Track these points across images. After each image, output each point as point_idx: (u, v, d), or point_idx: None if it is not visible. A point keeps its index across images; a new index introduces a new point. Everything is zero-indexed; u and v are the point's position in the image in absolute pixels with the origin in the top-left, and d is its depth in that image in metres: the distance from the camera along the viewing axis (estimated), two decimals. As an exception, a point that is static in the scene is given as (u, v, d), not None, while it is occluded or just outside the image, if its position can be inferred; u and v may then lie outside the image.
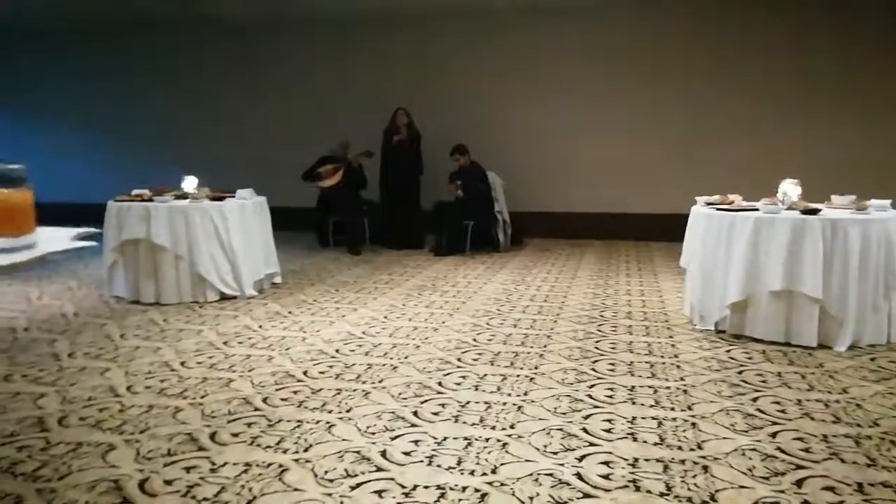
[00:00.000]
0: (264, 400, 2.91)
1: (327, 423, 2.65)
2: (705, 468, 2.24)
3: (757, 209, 3.92)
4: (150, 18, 9.05)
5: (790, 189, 4.06)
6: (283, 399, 2.92)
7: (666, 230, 7.69)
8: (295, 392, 3.00)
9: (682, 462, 2.29)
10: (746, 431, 2.54)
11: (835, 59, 7.44)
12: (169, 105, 9.54)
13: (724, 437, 2.48)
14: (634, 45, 7.99)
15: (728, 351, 3.60)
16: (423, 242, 7.55)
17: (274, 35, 9.03)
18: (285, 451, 2.39)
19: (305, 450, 2.40)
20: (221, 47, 9.34)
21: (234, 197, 5.26)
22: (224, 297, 4.95)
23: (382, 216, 7.67)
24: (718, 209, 4.09)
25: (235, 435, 2.54)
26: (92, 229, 1.84)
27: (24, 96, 10.27)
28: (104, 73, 9.81)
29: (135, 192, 5.28)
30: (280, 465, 2.28)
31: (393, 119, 7.55)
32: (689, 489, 2.10)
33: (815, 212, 3.72)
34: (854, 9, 7.32)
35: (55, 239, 1.04)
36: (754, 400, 2.87)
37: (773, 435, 2.50)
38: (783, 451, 2.36)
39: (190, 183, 5.32)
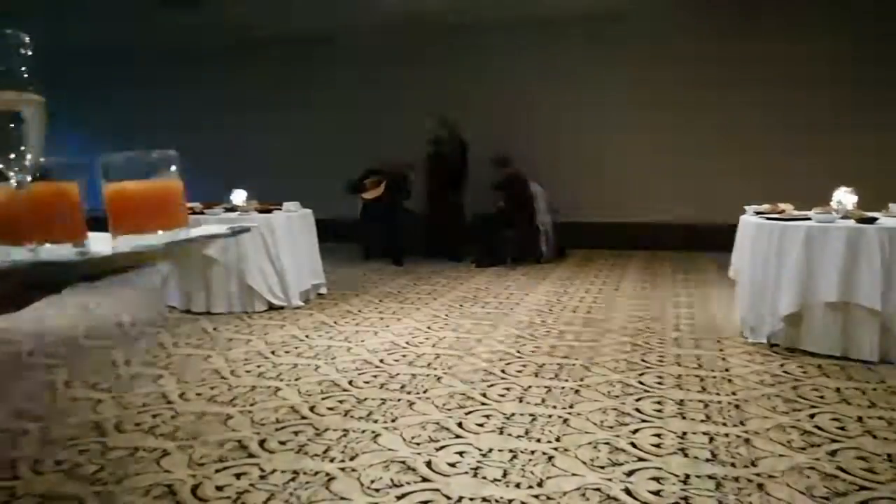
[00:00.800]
0: (311, 409, 2.94)
1: (372, 432, 2.65)
2: (760, 486, 2.16)
3: (809, 218, 3.78)
4: (199, 41, 9.36)
5: (845, 197, 3.91)
6: (329, 408, 2.94)
7: (713, 240, 7.49)
8: (341, 401, 3.02)
9: (736, 479, 2.20)
10: (804, 449, 2.43)
11: (890, 66, 7.16)
12: (216, 119, 9.82)
13: (780, 455, 2.38)
14: (680, 51, 7.86)
15: (782, 365, 3.47)
16: (462, 255, 7.50)
17: (320, 49, 9.22)
18: (332, 460, 2.40)
19: (352, 458, 2.41)
20: (268, 63, 9.57)
21: (280, 209, 5.36)
22: (271, 308, 5.04)
23: (425, 228, 7.68)
24: (769, 219, 3.96)
25: (283, 443, 2.56)
26: (245, 224, 1.81)
27: (84, 109, 10.72)
28: (148, 89, 10.16)
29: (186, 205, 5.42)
30: (327, 474, 2.29)
31: (436, 129, 7.59)
32: (743, 507, 2.03)
33: (871, 220, 3.56)
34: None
35: (211, 231, 1.09)
36: (811, 416, 2.75)
37: (833, 453, 2.39)
38: (844, 471, 2.25)
39: (238, 196, 5.45)
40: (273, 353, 3.88)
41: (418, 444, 2.53)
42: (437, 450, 2.48)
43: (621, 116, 8.11)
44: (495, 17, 8.07)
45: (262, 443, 2.57)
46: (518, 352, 3.81)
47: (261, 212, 5.23)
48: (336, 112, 9.25)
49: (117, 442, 2.60)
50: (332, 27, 8.65)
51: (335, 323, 4.61)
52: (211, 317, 4.86)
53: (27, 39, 0.80)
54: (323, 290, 5.67)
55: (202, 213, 5.13)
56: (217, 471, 2.33)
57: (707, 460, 2.35)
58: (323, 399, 3.06)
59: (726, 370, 3.40)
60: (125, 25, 8.41)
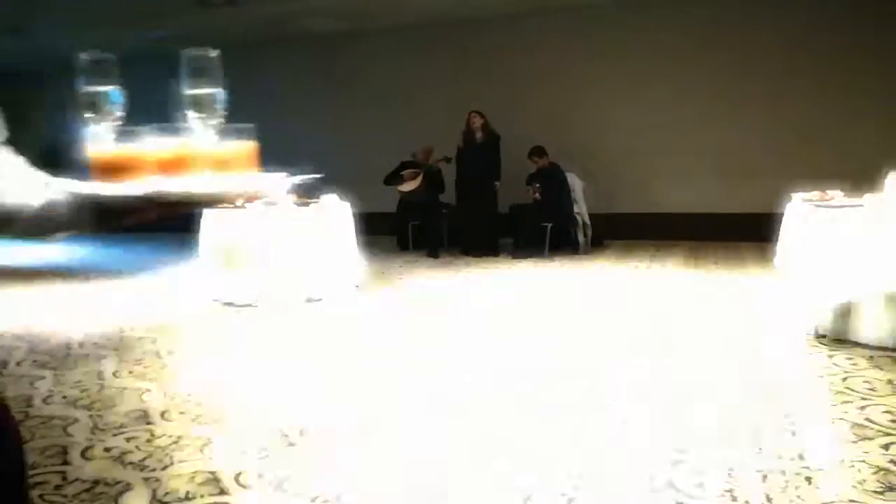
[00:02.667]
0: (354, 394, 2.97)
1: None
2: (808, 479, 2.09)
3: (861, 205, 3.65)
4: (238, 33, 9.52)
5: (898, 183, 3.75)
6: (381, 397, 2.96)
7: (755, 230, 7.29)
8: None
9: (783, 472, 2.14)
10: (855, 442, 2.35)
11: None
12: (255, 112, 9.94)
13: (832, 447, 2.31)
14: (717, 37, 7.66)
15: (830, 356, 3.36)
16: (498, 248, 7.27)
17: (358, 43, 9.26)
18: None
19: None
20: (308, 57, 9.67)
21: (316, 203, 5.41)
22: (311, 300, 5.10)
23: (458, 221, 7.54)
24: (818, 206, 3.83)
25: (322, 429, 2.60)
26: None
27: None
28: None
29: (227, 199, 5.51)
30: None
31: (467, 122, 7.28)
32: (790, 501, 1.97)
33: (928, 207, 3.42)
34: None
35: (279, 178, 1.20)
36: (862, 409, 2.66)
37: (886, 447, 2.31)
38: (898, 465, 2.17)
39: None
40: (319, 341, 3.93)
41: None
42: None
43: (657, 105, 7.94)
44: (526, 4, 7.97)
45: (301, 431, 2.60)
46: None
47: (299, 205, 5.29)
48: (369, 107, 9.30)
49: (164, 430, 2.67)
50: (368, 24, 8.69)
51: (381, 311, 4.64)
52: (252, 309, 4.92)
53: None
54: (359, 283, 5.72)
55: (242, 206, 5.21)
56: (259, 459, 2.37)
57: (755, 453, 2.29)
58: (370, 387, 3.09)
59: (773, 361, 3.31)
60: (161, 24, 8.58)
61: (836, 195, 4.12)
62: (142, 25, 8.54)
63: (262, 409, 2.87)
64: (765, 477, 2.12)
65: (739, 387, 2.95)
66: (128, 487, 2.19)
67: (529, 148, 7.35)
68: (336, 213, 5.42)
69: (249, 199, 5.40)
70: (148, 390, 3.17)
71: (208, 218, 5.20)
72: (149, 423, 2.75)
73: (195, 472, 2.27)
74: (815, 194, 4.23)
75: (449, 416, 2.71)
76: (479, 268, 6.52)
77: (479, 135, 7.23)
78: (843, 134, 7.16)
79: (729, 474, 2.14)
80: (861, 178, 4.60)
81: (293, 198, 5.49)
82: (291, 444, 2.48)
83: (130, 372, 3.47)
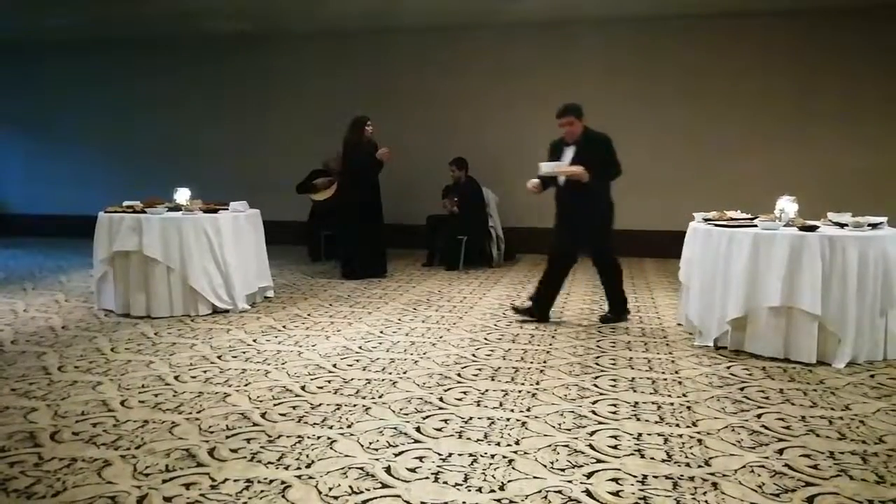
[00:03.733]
0: (263, 415, 2.86)
1: (328, 438, 2.60)
2: (715, 485, 2.23)
3: (755, 225, 3.95)
4: (145, 34, 9.03)
5: (787, 206, 4.09)
6: (281, 414, 2.87)
7: (658, 246, 7.76)
8: (294, 407, 2.96)
9: (692, 479, 2.27)
10: (753, 448, 2.53)
11: (835, 76, 7.51)
12: (160, 118, 9.50)
13: (732, 454, 2.47)
14: (634, 60, 8.06)
15: (728, 367, 3.60)
16: (386, 269, 6.72)
17: (268, 49, 9.04)
18: (287, 468, 2.34)
19: (308, 466, 2.36)
20: (215, 62, 9.32)
21: (227, 209, 5.21)
22: (216, 311, 4.89)
23: (342, 242, 6.84)
24: (717, 225, 4.11)
25: (235, 451, 2.49)
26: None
27: (10, 107, 10.20)
28: (94, 86, 9.76)
29: (126, 203, 5.22)
30: (283, 482, 2.23)
31: (360, 130, 6.39)
32: (699, 506, 2.09)
33: (812, 228, 3.75)
34: (855, 30, 7.43)
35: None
36: (758, 416, 2.86)
37: (780, 452, 2.50)
38: (791, 468, 2.35)
39: (182, 195, 5.28)
40: (219, 357, 3.77)
41: (376, 449, 2.50)
42: (396, 455, 2.45)
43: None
44: (445, 18, 8.08)
45: (211, 451, 2.48)
46: (473, 355, 3.82)
47: (206, 212, 5.07)
48: (281, 115, 9.09)
49: (54, 452, 2.46)
50: (279, 26, 8.49)
51: (284, 327, 4.52)
52: (151, 321, 4.67)
53: None
54: (270, 293, 5.55)
55: (143, 211, 4.94)
56: (164, 481, 2.23)
57: (663, 460, 2.41)
58: (275, 405, 2.99)
59: (676, 373, 3.51)
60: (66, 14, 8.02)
61: (734, 215, 4.43)
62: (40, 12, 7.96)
63: (166, 427, 2.71)
64: (675, 484, 2.23)
65: (648, 397, 3.10)
66: (13, 518, 2.00)
67: (452, 160, 7.39)
68: (246, 221, 5.24)
69: (150, 204, 5.15)
70: (34, 409, 2.91)
71: (103, 223, 4.89)
72: (37, 446, 2.52)
73: (92, 498, 2.11)
74: (714, 214, 4.53)
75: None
76: (393, 281, 6.49)
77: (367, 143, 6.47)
78: (748, 154, 7.71)
79: (642, 482, 2.24)
80: (757, 199, 5.00)
81: (199, 203, 5.28)
82: (200, 464, 2.36)
83: (13, 389, 3.18)
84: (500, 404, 3.00)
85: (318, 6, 7.60)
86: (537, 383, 3.31)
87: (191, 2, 7.41)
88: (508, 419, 2.81)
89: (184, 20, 8.29)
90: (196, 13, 7.91)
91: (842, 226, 3.90)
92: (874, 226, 3.85)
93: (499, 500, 2.12)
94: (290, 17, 8.13)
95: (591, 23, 7.97)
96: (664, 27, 7.87)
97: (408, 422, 2.78)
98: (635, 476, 2.29)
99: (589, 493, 2.16)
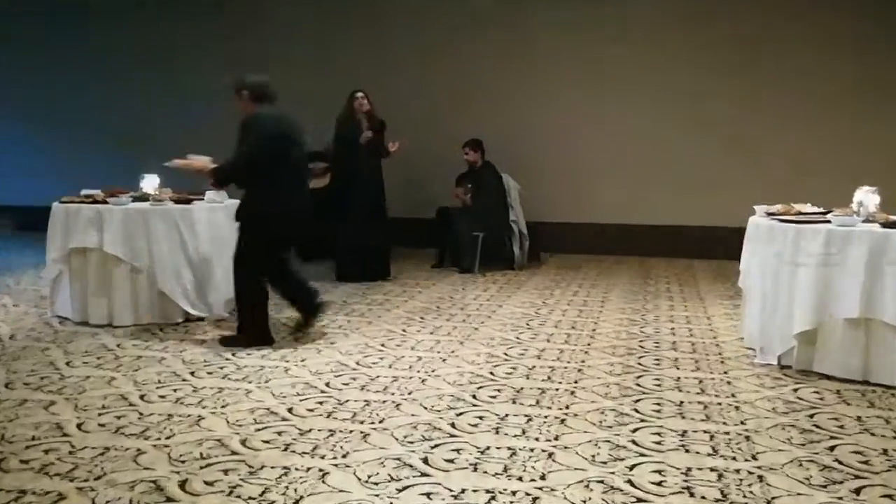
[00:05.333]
0: (243, 442, 2.89)
1: (320, 470, 2.62)
2: (778, 530, 2.22)
3: (828, 220, 3.92)
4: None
5: (867, 198, 4.06)
6: (265, 441, 2.90)
7: (712, 245, 7.72)
8: (279, 433, 2.98)
9: (750, 522, 2.27)
10: (825, 486, 2.52)
11: None
12: (126, 95, 9.59)
13: (799, 493, 2.46)
14: (675, 36, 8.04)
15: (795, 390, 3.59)
16: (389, 271, 6.79)
17: (250, 18, 9.09)
18: (271, 504, 2.37)
19: (295, 503, 2.38)
20: (193, 28, 9.39)
21: (202, 200, 5.25)
22: (189, 319, 4.93)
23: (338, 241, 6.79)
24: (782, 220, 4.09)
25: (210, 483, 2.51)
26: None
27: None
28: (51, 55, 9.86)
29: (84, 192, 5.28)
30: (266, 521, 2.26)
31: (349, 105, 6.48)
32: (760, 555, 2.08)
33: (898, 225, 3.72)
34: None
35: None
36: (831, 449, 2.85)
37: (857, 491, 2.48)
38: (870, 511, 2.34)
39: (150, 183, 5.32)
40: (192, 374, 3.80)
41: (376, 483, 2.52)
42: (399, 491, 2.47)
43: (606, 103, 8.24)
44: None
45: (182, 484, 2.51)
46: (491, 373, 3.84)
47: (177, 202, 5.11)
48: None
49: (0, 483, 2.50)
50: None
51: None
52: (113, 330, 4.73)
53: None
54: (252, 299, 5.59)
55: (104, 201, 4.98)
56: (128, 518, 2.26)
57: (717, 500, 2.41)
58: (257, 430, 3.01)
59: (733, 396, 3.50)
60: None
61: (803, 208, 4.41)
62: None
63: (130, 455, 2.74)
64: (731, 528, 2.23)
65: (698, 424, 3.09)
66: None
67: (466, 141, 7.40)
68: (225, 214, 5.26)
69: (112, 193, 5.20)
70: (-23, 433, 2.96)
71: (57, 215, 4.94)
72: (-21, 476, 2.56)
73: (44, 538, 2.14)
74: (778, 207, 4.50)
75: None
76: (397, 284, 6.51)
77: (364, 125, 6.55)
78: (816, 137, 7.66)
79: (692, 526, 2.24)
80: (828, 193, 4.96)
81: (169, 192, 5.32)
82: (169, 500, 2.38)
83: (-48, 409, 3.24)
84: (523, 432, 3.01)
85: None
86: (567, 407, 3.31)
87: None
88: (532, 449, 2.82)
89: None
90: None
91: (933, 222, 3.86)
92: (972, 222, 3.81)
93: (520, 546, 2.12)
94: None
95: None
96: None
97: (414, 451, 2.79)
98: (683, 518, 2.29)
99: (628, 539, 2.16)
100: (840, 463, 2.72)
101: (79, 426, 3.05)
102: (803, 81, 7.69)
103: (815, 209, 4.42)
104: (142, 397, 3.43)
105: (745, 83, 7.88)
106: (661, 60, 8.09)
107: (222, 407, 3.30)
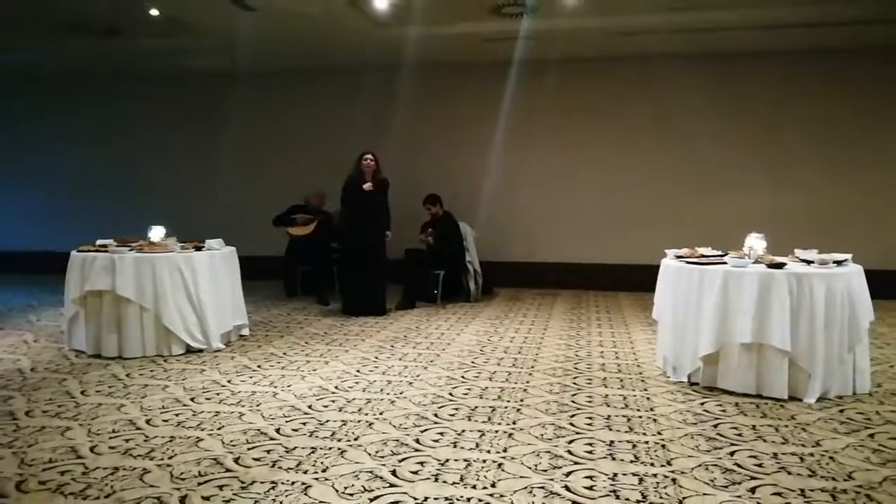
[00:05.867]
0: (236, 460, 2.83)
1: (303, 484, 2.59)
2: (688, 526, 2.25)
3: (725, 262, 4.05)
4: (117, 69, 9.06)
5: (755, 243, 4.21)
6: (255, 459, 2.85)
7: (633, 281, 7.88)
8: (268, 451, 2.93)
9: (666, 520, 2.30)
10: (726, 487, 2.56)
11: (805, 114, 7.76)
12: (135, 155, 9.49)
13: (705, 493, 2.50)
14: (606, 99, 8.28)
15: (702, 403, 3.66)
16: (385, 307, 6.65)
17: (242, 85, 9.10)
18: (260, 516, 2.32)
19: (282, 513, 2.34)
20: (188, 98, 9.37)
21: (202, 247, 5.19)
22: (190, 351, 4.85)
23: (340, 277, 7.02)
24: (688, 262, 4.21)
25: (207, 499, 2.46)
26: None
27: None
28: (69, 121, 9.72)
29: (99, 242, 5.19)
30: (256, 531, 2.21)
31: (357, 165, 6.52)
32: (673, 548, 2.11)
33: (780, 266, 3.85)
34: (825, 69, 7.71)
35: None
36: (731, 454, 2.91)
37: (753, 490, 2.54)
38: (763, 507, 2.39)
39: (157, 233, 5.26)
40: (193, 399, 3.72)
41: (351, 494, 2.49)
42: (372, 500, 2.44)
43: (546, 159, 8.42)
44: (418, 57, 8.21)
45: (183, 499, 2.45)
46: (450, 394, 3.83)
47: (183, 248, 5.05)
48: (256, 150, 9.14)
49: (21, 503, 2.41)
50: (259, 65, 8.58)
51: (259, 367, 4.48)
52: (123, 361, 4.61)
53: None
54: (245, 332, 5.51)
55: (117, 248, 4.89)
56: (134, 532, 2.20)
57: (638, 501, 2.44)
58: (249, 449, 2.96)
59: (651, 409, 3.55)
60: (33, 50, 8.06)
61: (705, 252, 4.54)
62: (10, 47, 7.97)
63: (136, 474, 2.67)
64: (650, 525, 2.26)
65: (623, 435, 3.13)
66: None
67: (424, 196, 7.49)
68: (222, 259, 5.22)
69: (123, 242, 5.12)
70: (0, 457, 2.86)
71: (75, 262, 4.85)
72: (2, 497, 2.47)
73: (59, 552, 2.07)
74: (685, 250, 4.64)
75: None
76: (371, 317, 6.48)
77: (368, 178, 6.52)
78: (717, 192, 7.92)
79: (617, 524, 2.26)
80: (726, 235, 5.13)
81: (174, 241, 5.27)
82: (172, 514, 2.33)
83: (-22, 436, 3.12)
84: (477, 445, 3.01)
85: (290, 46, 7.72)
86: (514, 423, 3.32)
87: (170, 40, 7.48)
88: (485, 461, 2.82)
89: (157, 57, 8.36)
90: (175, 51, 7.99)
91: (808, 262, 4.01)
92: (839, 262, 3.97)
93: (474, 546, 2.12)
94: (261, 56, 8.21)
95: (553, 62, 8.12)
96: (639, 65, 8.10)
97: (384, 465, 2.77)
98: (610, 518, 2.31)
99: (564, 537, 2.17)
100: (739, 466, 2.77)
101: (91, 449, 2.96)
102: (719, 148, 7.94)
103: (714, 252, 4.55)
104: (147, 421, 3.35)
105: (662, 152, 8.14)
106: (592, 137, 8.32)
107: (219, 429, 3.24)
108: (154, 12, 6.43)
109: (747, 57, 7.78)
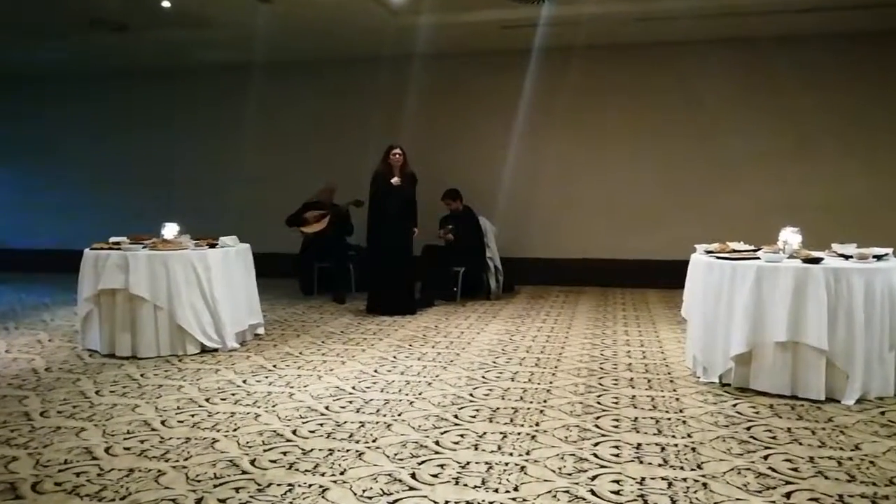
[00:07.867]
0: (252, 462, 2.86)
1: (320, 486, 2.61)
2: (720, 532, 2.23)
3: (758, 257, 4.00)
4: (137, 67, 9.19)
5: (790, 237, 4.15)
6: (272, 461, 2.87)
7: (661, 276, 7.80)
8: (284, 453, 2.96)
9: (696, 526, 2.28)
10: (760, 492, 2.54)
11: (840, 102, 7.63)
12: (150, 151, 9.61)
13: (738, 499, 2.48)
14: (633, 88, 8.20)
15: (734, 405, 3.62)
16: (415, 307, 6.62)
17: (257, 78, 9.15)
18: (277, 519, 2.35)
19: (299, 517, 2.36)
20: (208, 92, 9.45)
21: (216, 244, 5.24)
22: (205, 350, 4.90)
23: (369, 275, 6.83)
24: (719, 258, 4.16)
25: (223, 501, 2.48)
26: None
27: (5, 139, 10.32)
28: (83, 119, 9.87)
29: (112, 239, 5.26)
30: (273, 534, 2.24)
31: (385, 159, 6.47)
32: (705, 555, 2.09)
33: (817, 261, 3.79)
34: (854, 52, 7.58)
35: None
36: (765, 458, 2.87)
37: (788, 495, 2.50)
38: (799, 513, 2.36)
39: (170, 230, 5.32)
40: (208, 400, 3.77)
41: (370, 498, 2.51)
42: (391, 504, 2.46)
43: (571, 152, 8.37)
44: (438, 45, 8.22)
45: (198, 502, 2.48)
46: (471, 395, 3.83)
47: (197, 246, 5.10)
48: (272, 146, 9.20)
49: (35, 505, 2.46)
50: (277, 56, 8.64)
51: (275, 366, 4.52)
52: (137, 361, 4.68)
53: None
54: (260, 331, 5.56)
55: (129, 246, 4.96)
56: (150, 534, 2.24)
57: (667, 507, 2.42)
58: (265, 451, 2.99)
59: (681, 411, 3.52)
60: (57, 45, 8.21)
61: (737, 246, 4.48)
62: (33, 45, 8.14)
63: (152, 476, 2.71)
64: (679, 531, 2.24)
65: (651, 438, 3.11)
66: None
67: (443, 190, 7.49)
68: (236, 256, 5.27)
69: (136, 239, 5.19)
70: (15, 458, 2.91)
71: (88, 260, 4.92)
72: (18, 498, 2.52)
73: (75, 554, 2.11)
74: (715, 245, 4.58)
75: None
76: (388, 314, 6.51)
77: (397, 174, 6.46)
78: (750, 184, 7.81)
79: (646, 530, 2.25)
80: (760, 229, 5.06)
81: (187, 238, 5.33)
82: (188, 517, 2.36)
83: (-7, 437, 3.19)
84: (499, 447, 3.01)
85: (305, 37, 7.76)
86: (537, 424, 3.32)
87: (184, 33, 7.56)
88: (507, 464, 2.82)
89: (178, 51, 8.46)
90: (189, 44, 8.07)
91: (847, 257, 3.95)
92: (879, 257, 3.90)
93: (497, 552, 2.12)
94: (277, 48, 8.26)
95: (574, 50, 8.06)
96: (664, 53, 8.02)
97: (403, 468, 2.79)
98: (638, 524, 2.30)
99: (590, 543, 2.17)
100: (773, 470, 2.74)
101: (106, 450, 3.01)
102: (749, 138, 7.85)
103: (747, 247, 4.49)
104: (163, 422, 3.39)
105: (693, 142, 8.05)
106: (619, 127, 8.25)
107: (234, 430, 3.27)
108: (166, 4, 6.50)
109: (772, 42, 7.62)
